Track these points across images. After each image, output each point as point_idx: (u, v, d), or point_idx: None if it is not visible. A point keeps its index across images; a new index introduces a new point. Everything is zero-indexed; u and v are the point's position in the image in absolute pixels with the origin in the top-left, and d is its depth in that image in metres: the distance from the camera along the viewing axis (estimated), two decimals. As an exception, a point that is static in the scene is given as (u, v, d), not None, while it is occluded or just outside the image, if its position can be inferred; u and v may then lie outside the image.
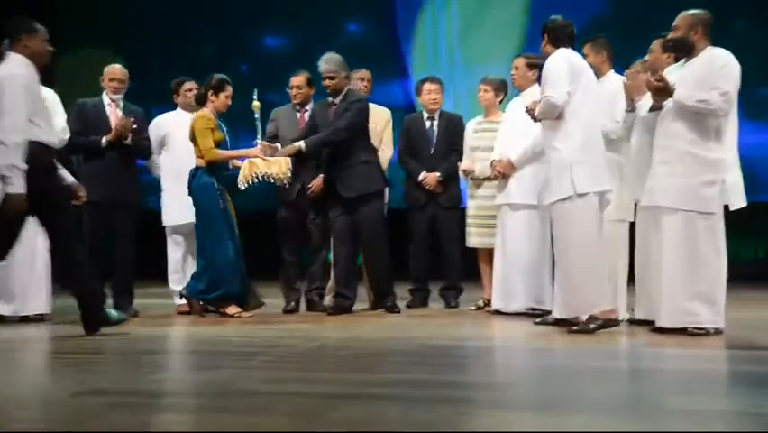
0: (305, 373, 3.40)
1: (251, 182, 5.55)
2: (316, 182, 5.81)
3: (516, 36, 8.91)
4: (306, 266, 6.07)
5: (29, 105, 4.28)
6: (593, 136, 4.62)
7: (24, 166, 4.22)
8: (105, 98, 5.87)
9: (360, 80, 6.22)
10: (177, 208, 5.93)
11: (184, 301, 5.78)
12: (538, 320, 5.04)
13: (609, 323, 4.50)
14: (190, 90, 6.09)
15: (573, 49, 4.73)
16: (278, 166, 5.56)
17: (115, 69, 5.88)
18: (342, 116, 5.69)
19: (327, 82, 5.75)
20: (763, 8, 8.92)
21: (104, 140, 5.70)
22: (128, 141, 5.73)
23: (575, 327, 4.52)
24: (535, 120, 4.77)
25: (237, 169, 5.65)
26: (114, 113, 5.84)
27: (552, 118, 4.60)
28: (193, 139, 5.56)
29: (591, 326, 4.47)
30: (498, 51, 8.53)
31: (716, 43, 4.51)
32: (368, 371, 3.48)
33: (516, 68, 5.72)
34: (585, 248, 4.49)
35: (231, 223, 5.52)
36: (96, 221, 5.68)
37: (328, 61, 5.76)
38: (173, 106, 6.25)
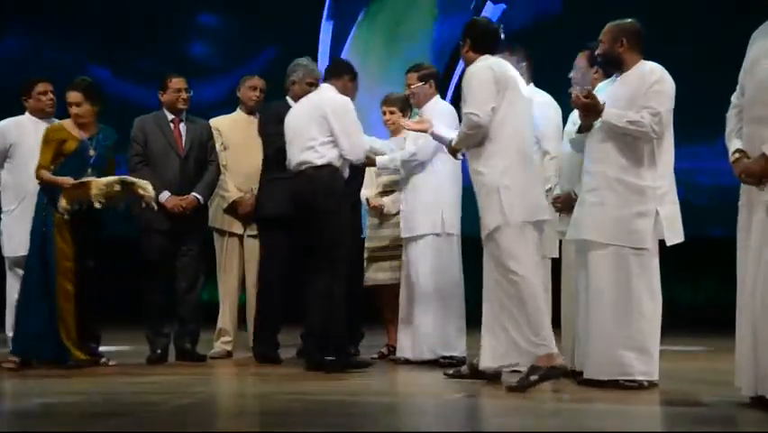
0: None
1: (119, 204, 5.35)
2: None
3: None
4: (175, 305, 5.80)
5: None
6: (522, 157, 4.50)
7: None
8: None
9: (251, 89, 6.12)
10: (20, 236, 5.53)
11: None
12: (449, 372, 4.83)
13: (554, 371, 4.32)
14: (44, 93, 5.79)
15: (500, 55, 4.63)
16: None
17: None
18: None
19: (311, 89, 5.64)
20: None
21: None
22: None
23: (514, 384, 4.35)
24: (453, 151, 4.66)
25: None
26: None
27: (473, 144, 4.49)
28: None
29: (533, 378, 4.30)
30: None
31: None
32: (248, 435, 3.37)
33: (410, 85, 5.64)
34: (520, 285, 4.34)
35: (47, 253, 5.26)
36: None
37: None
38: (20, 111, 5.88)
